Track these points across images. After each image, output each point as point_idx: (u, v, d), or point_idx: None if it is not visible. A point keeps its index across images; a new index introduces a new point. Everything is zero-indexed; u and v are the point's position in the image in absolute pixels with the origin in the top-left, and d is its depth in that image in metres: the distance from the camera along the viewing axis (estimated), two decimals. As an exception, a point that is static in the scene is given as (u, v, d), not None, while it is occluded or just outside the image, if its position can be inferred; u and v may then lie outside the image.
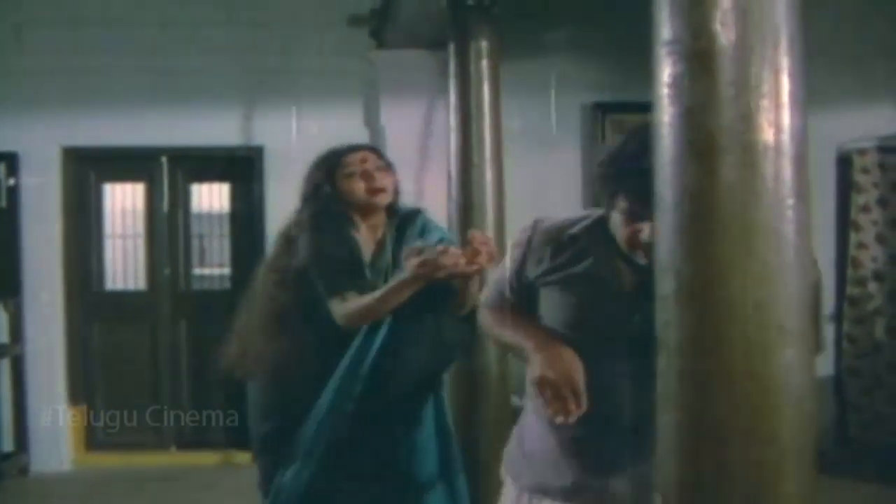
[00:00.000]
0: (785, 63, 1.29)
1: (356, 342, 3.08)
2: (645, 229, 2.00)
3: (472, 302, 2.98)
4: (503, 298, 2.37)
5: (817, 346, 1.97)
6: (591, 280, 2.16)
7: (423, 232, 3.27)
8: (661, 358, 1.39)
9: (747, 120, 1.28)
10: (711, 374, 1.32)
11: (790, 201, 1.30)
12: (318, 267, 3.13)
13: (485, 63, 4.13)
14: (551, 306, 2.24)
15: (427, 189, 5.73)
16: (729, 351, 1.31)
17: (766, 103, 1.28)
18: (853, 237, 6.02)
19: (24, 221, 6.26)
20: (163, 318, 6.67)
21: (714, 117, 1.29)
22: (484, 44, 4.13)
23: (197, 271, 6.81)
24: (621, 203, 2.06)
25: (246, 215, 6.54)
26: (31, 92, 6.10)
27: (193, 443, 6.59)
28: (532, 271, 2.27)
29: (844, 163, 6.20)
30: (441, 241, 3.17)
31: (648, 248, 1.93)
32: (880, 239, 6.01)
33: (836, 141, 6.12)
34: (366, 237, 3.27)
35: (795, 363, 1.32)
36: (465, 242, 2.93)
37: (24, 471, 6.18)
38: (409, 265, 2.89)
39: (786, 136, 1.29)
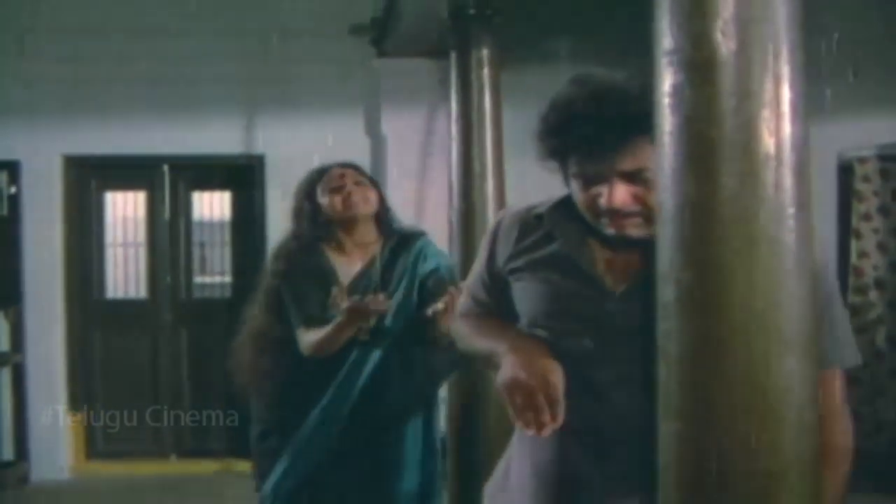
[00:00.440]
0: (785, 72, 1.29)
1: (344, 369, 3.18)
2: (603, 192, 1.73)
3: (448, 335, 3.06)
4: (478, 303, 2.09)
5: (852, 356, 1.77)
6: (558, 263, 1.86)
7: (419, 258, 3.31)
8: (662, 367, 1.39)
9: (748, 129, 1.28)
10: (713, 382, 1.32)
11: (791, 210, 1.29)
12: (288, 298, 3.26)
13: (486, 72, 4.13)
14: (522, 299, 1.94)
15: (428, 197, 5.74)
16: (730, 360, 1.30)
17: (766, 113, 1.28)
18: (854, 245, 6.01)
19: (26, 230, 6.27)
20: (163, 326, 6.67)
21: (715, 126, 1.29)
22: (485, 52, 4.13)
23: (198, 280, 6.82)
24: (573, 166, 1.77)
25: (247, 224, 6.55)
26: (33, 100, 6.11)
27: (194, 451, 6.59)
28: (502, 262, 1.98)
29: (845, 171, 6.20)
30: (435, 270, 3.27)
31: (613, 215, 1.72)
32: (881, 247, 6.00)
33: (837, 149, 6.12)
34: (350, 257, 3.32)
35: (797, 372, 1.31)
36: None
37: (23, 479, 6.17)
38: (342, 309, 3.03)
39: (786, 146, 1.29)
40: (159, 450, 6.61)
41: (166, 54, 6.14)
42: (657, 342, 1.42)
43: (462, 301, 2.18)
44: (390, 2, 5.32)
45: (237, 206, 6.75)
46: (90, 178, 6.59)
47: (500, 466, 2.07)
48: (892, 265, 5.98)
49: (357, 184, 3.29)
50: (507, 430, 1.97)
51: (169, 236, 6.69)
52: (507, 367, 1.73)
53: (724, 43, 1.28)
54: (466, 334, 2.09)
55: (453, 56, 4.24)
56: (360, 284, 3.27)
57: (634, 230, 1.73)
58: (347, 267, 3.30)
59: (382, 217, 3.37)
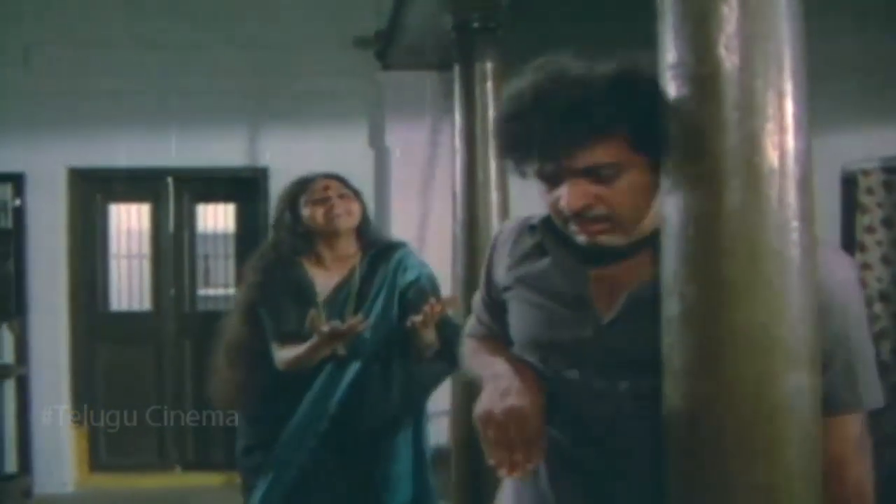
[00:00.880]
0: (789, 86, 1.30)
1: (320, 381, 3.15)
2: (563, 195, 1.53)
3: (431, 346, 3.08)
4: (481, 324, 1.94)
5: (874, 398, 1.58)
6: (548, 282, 1.67)
7: (398, 269, 3.27)
8: (666, 380, 1.39)
9: (751, 143, 1.29)
10: (717, 396, 1.32)
11: (795, 224, 1.30)
12: (264, 312, 3.22)
13: (490, 84, 4.13)
14: (513, 321, 1.76)
15: (432, 210, 5.75)
16: (734, 374, 1.30)
17: (770, 126, 1.29)
18: (858, 258, 6.00)
19: (30, 242, 6.27)
20: (167, 338, 6.68)
21: (718, 140, 1.30)
22: (489, 65, 4.13)
23: (202, 292, 6.82)
24: (531, 164, 1.56)
25: (251, 236, 6.54)
26: (38, 113, 6.12)
27: (198, 463, 6.58)
28: (499, 278, 1.81)
29: (849, 183, 6.19)
30: (415, 281, 3.24)
31: (579, 220, 1.53)
32: (885, 259, 5.98)
33: (841, 161, 6.11)
34: (329, 269, 3.29)
35: (801, 386, 1.31)
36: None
37: (27, 493, 6.16)
38: (317, 331, 2.96)
39: (790, 159, 1.29)
40: (163, 462, 6.61)
41: (170, 67, 6.16)
42: (653, 369, 1.41)
43: (470, 321, 2.02)
44: (394, 15, 5.33)
45: (241, 218, 6.76)
46: (95, 190, 6.61)
47: (499, 498, 1.91)
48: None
49: (341, 196, 3.25)
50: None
51: (173, 248, 6.70)
52: (483, 398, 1.59)
53: (728, 58, 1.29)
54: (467, 357, 1.94)
55: (457, 69, 4.24)
56: (339, 297, 3.24)
57: (605, 237, 1.54)
58: (326, 280, 3.27)
59: (363, 229, 3.33)
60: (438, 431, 4.26)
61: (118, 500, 6.14)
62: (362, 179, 3.44)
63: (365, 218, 3.34)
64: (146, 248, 6.74)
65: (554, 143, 1.48)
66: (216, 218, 6.81)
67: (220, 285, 6.84)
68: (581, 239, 1.55)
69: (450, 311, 3.08)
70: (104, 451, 6.52)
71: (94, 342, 6.60)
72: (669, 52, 1.36)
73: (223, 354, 3.31)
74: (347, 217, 3.24)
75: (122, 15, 6.20)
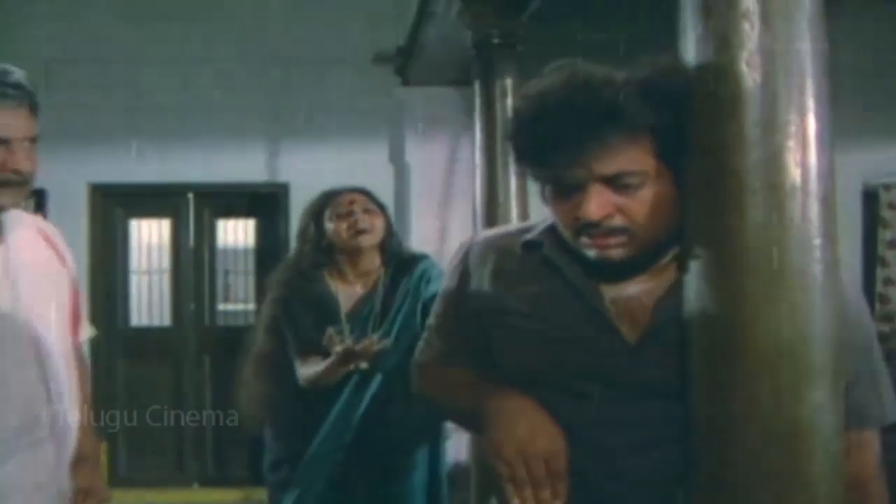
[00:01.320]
0: (811, 104, 1.29)
1: (345, 394, 3.14)
2: (582, 204, 1.44)
3: None
4: (440, 353, 1.78)
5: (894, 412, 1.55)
6: (562, 302, 1.55)
7: (422, 281, 3.23)
8: (692, 400, 1.39)
9: (774, 160, 1.28)
10: (740, 414, 1.31)
11: (817, 241, 1.29)
12: (286, 327, 3.21)
13: (509, 101, 4.13)
14: (510, 346, 1.61)
15: (452, 225, 5.74)
16: (757, 391, 1.30)
17: (792, 144, 1.28)
18: (879, 273, 5.97)
19: (52, 257, 6.28)
20: (187, 353, 6.69)
21: (741, 158, 1.29)
22: (509, 81, 4.13)
23: (221, 307, 6.83)
24: (547, 170, 1.49)
25: (271, 251, 6.55)
26: (59, 129, 6.07)
27: (216, 479, 6.57)
28: (475, 300, 1.66)
29: (870, 198, 6.17)
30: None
31: (594, 232, 1.46)
32: (907, 275, 5.96)
33: (862, 176, 6.09)
34: (352, 284, 3.28)
35: (824, 404, 1.31)
36: None
37: (47, 506, 6.16)
38: (334, 351, 2.96)
39: (812, 176, 1.29)
40: (182, 478, 6.60)
41: (191, 83, 6.18)
42: (680, 400, 1.41)
43: (420, 347, 1.84)
44: (414, 31, 5.35)
45: (261, 233, 6.78)
46: (115, 205, 6.64)
47: None
48: (918, 293, 5.94)
49: (366, 211, 3.23)
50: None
51: (193, 264, 6.71)
52: (500, 432, 1.48)
53: (750, 74, 1.29)
54: (438, 385, 1.78)
55: (477, 85, 4.25)
56: (363, 311, 3.22)
57: (617, 251, 1.46)
58: (349, 294, 3.25)
59: (387, 244, 3.31)
60: (458, 448, 4.24)
61: (137, 515, 6.15)
62: (382, 195, 3.42)
63: (389, 232, 3.32)
64: (166, 263, 6.75)
65: (581, 144, 1.41)
66: (236, 233, 6.83)
67: (239, 301, 6.86)
68: (592, 253, 1.48)
69: None
70: (123, 467, 6.52)
71: (113, 357, 6.61)
72: (691, 70, 1.37)
73: (250, 368, 3.29)
74: (370, 234, 3.21)
75: (142, 32, 6.23)
